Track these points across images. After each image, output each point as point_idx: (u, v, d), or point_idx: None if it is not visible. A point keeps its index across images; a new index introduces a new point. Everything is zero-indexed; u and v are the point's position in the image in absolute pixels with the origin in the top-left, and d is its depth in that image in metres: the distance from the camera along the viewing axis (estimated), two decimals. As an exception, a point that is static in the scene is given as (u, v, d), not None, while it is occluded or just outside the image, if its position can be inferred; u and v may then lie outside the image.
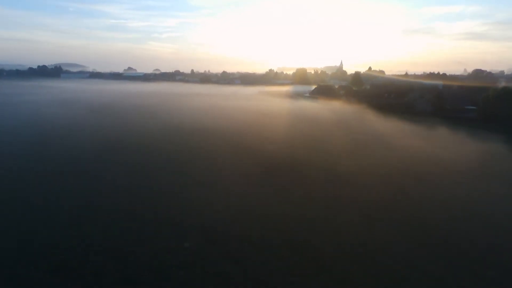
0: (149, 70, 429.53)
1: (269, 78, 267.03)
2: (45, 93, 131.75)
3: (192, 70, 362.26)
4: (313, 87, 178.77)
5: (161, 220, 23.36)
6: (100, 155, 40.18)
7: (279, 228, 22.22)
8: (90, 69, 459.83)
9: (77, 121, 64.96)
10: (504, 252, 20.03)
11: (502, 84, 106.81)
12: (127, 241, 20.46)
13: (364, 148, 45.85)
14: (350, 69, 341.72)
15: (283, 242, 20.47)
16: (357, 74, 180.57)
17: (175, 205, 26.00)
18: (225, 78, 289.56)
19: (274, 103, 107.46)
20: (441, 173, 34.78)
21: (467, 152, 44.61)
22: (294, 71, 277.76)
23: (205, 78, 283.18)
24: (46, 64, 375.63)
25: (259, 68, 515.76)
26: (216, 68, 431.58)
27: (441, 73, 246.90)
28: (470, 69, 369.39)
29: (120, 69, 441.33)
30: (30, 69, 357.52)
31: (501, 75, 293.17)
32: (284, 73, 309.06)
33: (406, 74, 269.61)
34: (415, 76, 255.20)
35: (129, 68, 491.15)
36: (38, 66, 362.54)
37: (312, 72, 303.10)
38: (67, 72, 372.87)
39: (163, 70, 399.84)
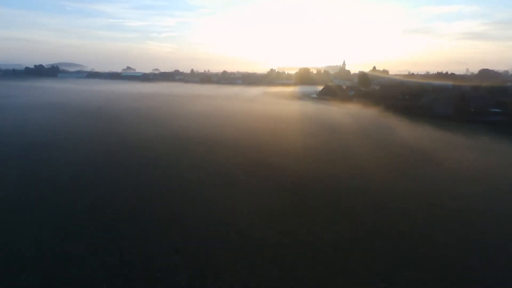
0: (148, 69, 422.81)
1: (271, 78, 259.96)
2: (36, 94, 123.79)
3: (192, 70, 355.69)
4: (318, 87, 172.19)
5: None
6: (75, 182, 30.42)
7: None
8: (89, 69, 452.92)
9: (59, 130, 56.14)
10: None
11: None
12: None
13: (412, 167, 36.55)
14: (352, 69, 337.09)
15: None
16: (364, 74, 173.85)
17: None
18: (226, 78, 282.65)
19: (282, 105, 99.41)
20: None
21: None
22: (297, 70, 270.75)
23: (206, 78, 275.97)
24: (44, 64, 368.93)
25: (259, 68, 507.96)
26: (216, 68, 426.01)
27: (440, 73, 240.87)
28: (472, 69, 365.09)
29: (118, 69, 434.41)
30: (27, 68, 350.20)
31: (505, 74, 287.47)
32: (286, 73, 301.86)
33: (411, 74, 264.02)
34: (422, 76, 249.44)
35: (128, 68, 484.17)
36: (35, 66, 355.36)
37: (315, 72, 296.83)
38: (64, 71, 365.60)
39: (162, 70, 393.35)
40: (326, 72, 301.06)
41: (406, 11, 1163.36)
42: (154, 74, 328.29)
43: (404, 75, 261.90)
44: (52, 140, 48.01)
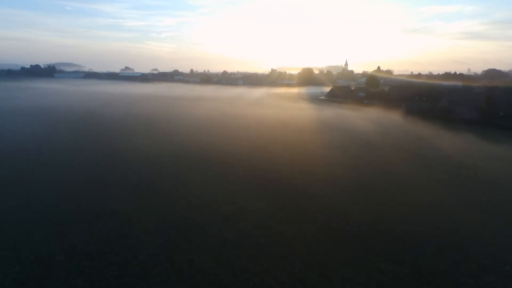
0: (147, 69, 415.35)
1: (273, 79, 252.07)
2: (22, 96, 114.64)
3: (192, 70, 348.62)
4: (324, 88, 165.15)
5: None
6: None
7: None
8: (87, 69, 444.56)
9: (24, 146, 43.97)
10: None
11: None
12: None
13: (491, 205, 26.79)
14: (355, 69, 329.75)
15: None
16: (372, 75, 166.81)
17: None
18: (227, 79, 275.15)
19: (294, 110, 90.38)
20: None
21: None
22: (299, 71, 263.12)
23: (206, 78, 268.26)
24: (43, 64, 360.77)
25: (260, 67, 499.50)
26: (215, 68, 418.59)
27: (441, 73, 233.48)
28: (473, 69, 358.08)
29: (117, 69, 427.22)
30: (23, 68, 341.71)
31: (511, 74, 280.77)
32: (288, 73, 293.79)
33: (417, 74, 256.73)
34: (428, 76, 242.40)
35: (126, 68, 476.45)
36: (31, 66, 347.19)
37: (317, 72, 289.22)
38: (61, 71, 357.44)
39: (161, 70, 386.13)
40: (328, 72, 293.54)
41: (405, 11, 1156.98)
42: (153, 74, 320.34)
43: (409, 75, 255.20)
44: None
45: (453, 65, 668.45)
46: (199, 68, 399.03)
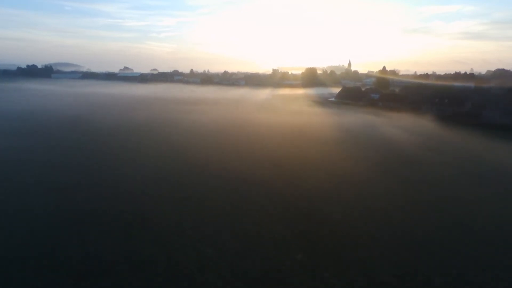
0: (146, 70, 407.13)
1: (277, 79, 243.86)
2: (8, 99, 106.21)
3: (191, 70, 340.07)
4: (330, 89, 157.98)
5: None
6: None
7: None
8: (85, 69, 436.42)
9: None
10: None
11: None
12: None
13: None
14: (357, 69, 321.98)
15: None
16: (382, 76, 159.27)
17: None
18: (228, 79, 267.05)
19: (307, 115, 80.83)
20: None
21: None
22: (302, 71, 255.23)
23: (206, 79, 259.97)
24: (41, 64, 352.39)
25: (260, 67, 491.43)
26: (215, 68, 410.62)
27: (440, 73, 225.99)
28: (476, 69, 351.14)
29: (116, 69, 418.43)
30: (19, 68, 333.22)
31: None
32: (290, 73, 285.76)
33: (425, 75, 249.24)
34: (437, 76, 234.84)
35: (125, 68, 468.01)
36: (28, 66, 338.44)
37: (321, 72, 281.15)
38: (59, 72, 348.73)
39: (161, 70, 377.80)
40: (332, 72, 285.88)
41: (405, 11, 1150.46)
42: (152, 75, 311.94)
43: (414, 76, 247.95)
44: None
45: (454, 65, 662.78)
46: (199, 68, 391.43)
